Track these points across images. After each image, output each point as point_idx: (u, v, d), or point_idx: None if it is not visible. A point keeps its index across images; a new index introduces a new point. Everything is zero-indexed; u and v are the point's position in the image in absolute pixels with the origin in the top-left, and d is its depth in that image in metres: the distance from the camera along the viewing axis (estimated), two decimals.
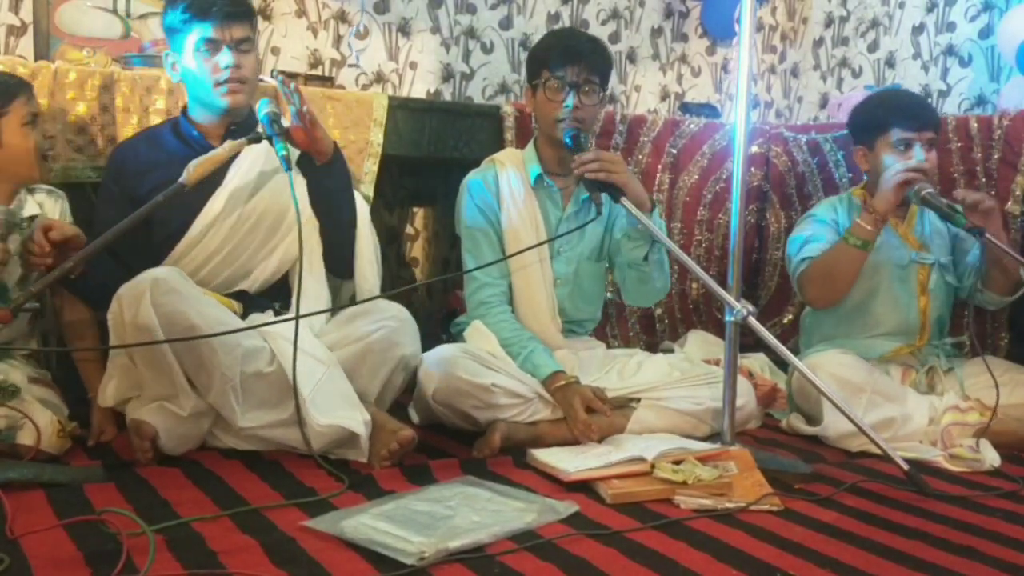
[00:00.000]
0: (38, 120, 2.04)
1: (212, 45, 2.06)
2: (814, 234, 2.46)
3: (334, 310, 2.03)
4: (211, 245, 2.10)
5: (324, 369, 1.96)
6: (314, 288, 2.13)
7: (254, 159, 2.13)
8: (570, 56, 2.25)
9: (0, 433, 1.83)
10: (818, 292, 2.42)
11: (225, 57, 2.06)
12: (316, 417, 1.90)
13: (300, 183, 2.05)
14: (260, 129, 2.01)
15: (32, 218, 2.03)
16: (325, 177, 2.09)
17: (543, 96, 2.28)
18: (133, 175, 2.12)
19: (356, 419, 1.91)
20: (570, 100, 2.24)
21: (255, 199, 2.13)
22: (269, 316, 2.08)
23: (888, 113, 2.42)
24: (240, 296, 2.13)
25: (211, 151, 1.99)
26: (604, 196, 2.14)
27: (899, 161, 2.37)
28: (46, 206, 2.08)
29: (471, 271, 2.32)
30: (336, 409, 1.92)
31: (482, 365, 2.14)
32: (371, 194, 2.58)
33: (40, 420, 1.85)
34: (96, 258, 1.87)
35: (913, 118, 2.39)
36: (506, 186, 2.35)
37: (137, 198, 2.03)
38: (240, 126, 2.14)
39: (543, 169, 2.36)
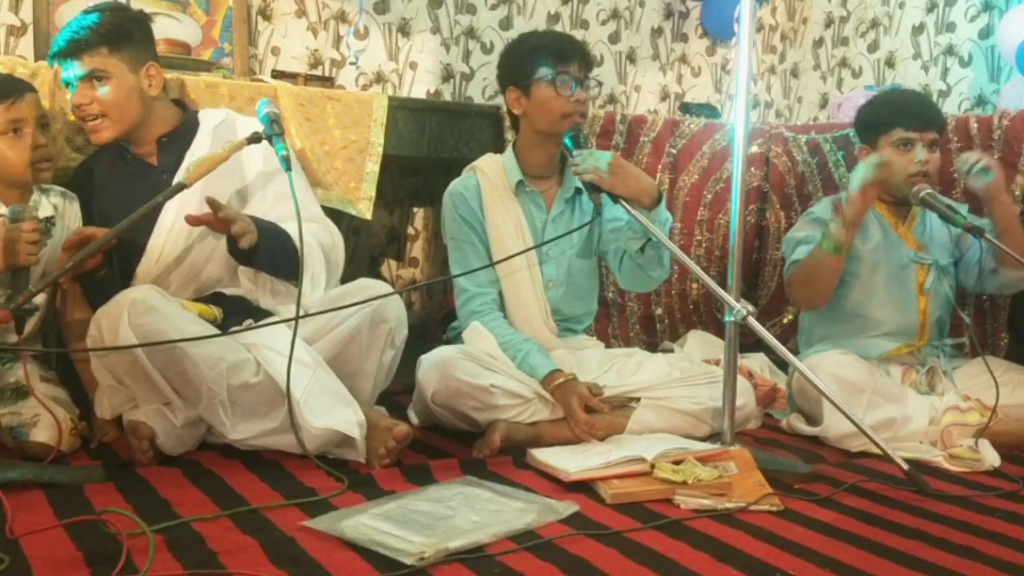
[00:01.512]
0: (22, 126, 1.96)
1: (67, 85, 2.09)
2: (807, 236, 2.47)
3: (332, 310, 2.02)
4: (171, 255, 2.09)
5: (311, 372, 1.93)
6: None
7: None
8: (569, 53, 2.30)
9: (12, 431, 1.84)
10: (801, 295, 2.47)
11: (71, 97, 2.07)
12: (310, 420, 1.88)
13: (298, 182, 2.04)
14: (260, 129, 2.02)
15: (49, 219, 2.04)
16: (248, 259, 2.03)
17: (547, 93, 2.27)
18: (97, 191, 2.14)
19: (350, 420, 1.90)
20: (577, 94, 2.27)
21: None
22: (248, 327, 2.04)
23: (892, 112, 2.42)
24: (217, 299, 2.11)
25: (212, 151, 2.00)
26: (604, 196, 2.14)
27: (900, 161, 2.38)
28: (60, 208, 2.10)
29: (459, 275, 2.31)
30: (329, 410, 1.91)
31: (481, 366, 2.14)
32: (373, 194, 2.58)
33: (52, 417, 1.86)
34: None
35: (916, 117, 2.40)
36: (488, 193, 2.35)
37: (95, 215, 2.07)
38: (172, 135, 2.14)
39: (524, 173, 2.36)
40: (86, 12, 2.07)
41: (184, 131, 2.15)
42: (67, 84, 2.08)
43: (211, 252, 2.12)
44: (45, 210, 2.05)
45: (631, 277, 2.37)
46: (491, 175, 2.37)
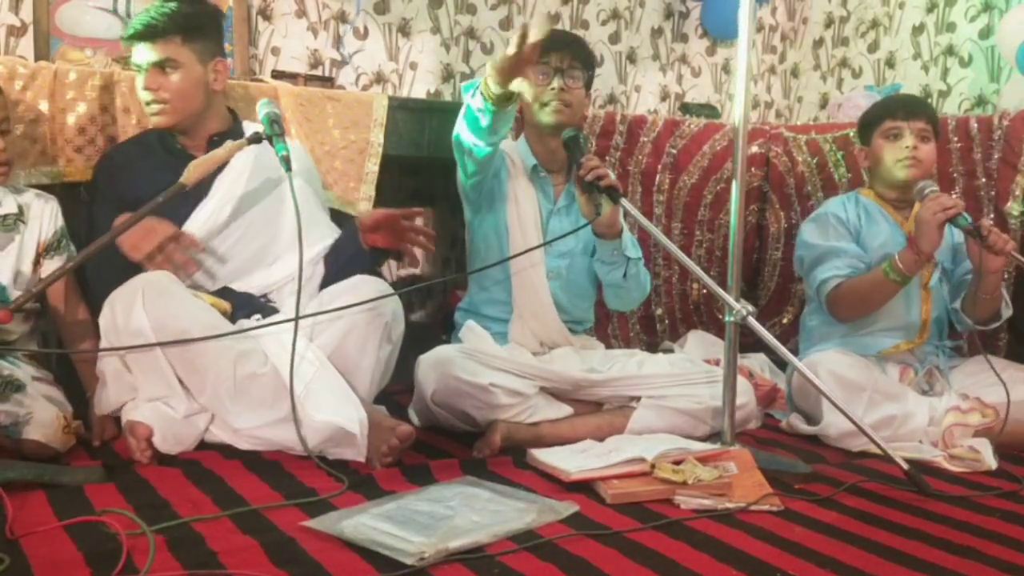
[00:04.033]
0: None
1: (136, 68, 2.12)
2: (838, 247, 2.47)
3: (332, 311, 2.02)
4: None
5: (314, 368, 1.95)
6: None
7: (242, 169, 2.15)
8: (553, 44, 2.32)
9: (6, 429, 1.83)
10: (850, 314, 2.47)
11: (140, 79, 2.11)
12: (312, 413, 1.89)
13: (298, 184, 2.05)
14: (261, 129, 2.03)
15: (18, 215, 2.04)
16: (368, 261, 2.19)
17: (531, 82, 2.31)
18: (125, 178, 2.14)
19: (351, 416, 1.90)
20: (556, 82, 2.31)
21: (245, 210, 2.15)
22: (256, 322, 2.07)
23: (881, 107, 2.56)
24: (224, 294, 2.13)
25: (211, 151, 2.00)
26: (604, 197, 2.15)
27: (891, 147, 2.46)
28: (33, 208, 2.08)
29: (475, 272, 2.34)
30: (331, 405, 1.92)
31: (480, 364, 2.14)
32: (372, 193, 2.58)
33: (44, 415, 1.85)
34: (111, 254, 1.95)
35: (902, 108, 2.50)
36: (512, 169, 2.41)
37: (127, 200, 2.05)
38: (223, 136, 2.16)
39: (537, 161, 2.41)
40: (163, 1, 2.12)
41: (233, 135, 2.17)
42: (136, 67, 2.11)
43: (235, 245, 2.15)
44: (8, 207, 2.04)
45: (614, 299, 2.47)
46: (512, 155, 2.43)
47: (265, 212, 2.18)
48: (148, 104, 2.11)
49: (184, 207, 2.09)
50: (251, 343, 1.97)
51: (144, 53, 2.08)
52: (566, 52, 2.33)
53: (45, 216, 2.09)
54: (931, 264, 2.48)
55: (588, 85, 2.41)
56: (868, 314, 2.44)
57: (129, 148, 2.22)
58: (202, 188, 2.10)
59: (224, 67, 2.19)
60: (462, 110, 2.17)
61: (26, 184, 2.17)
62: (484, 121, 2.05)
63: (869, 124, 2.54)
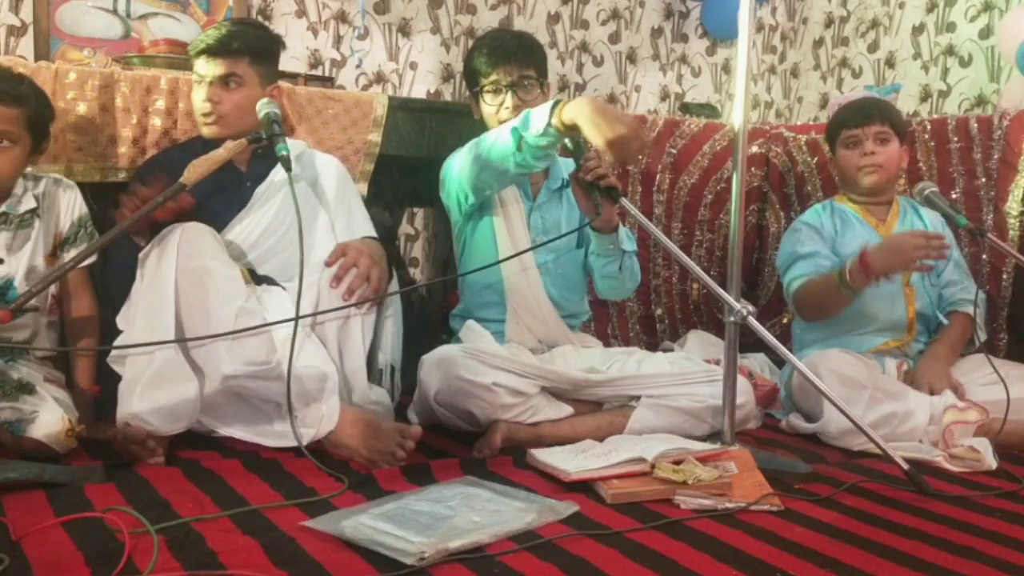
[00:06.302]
0: None
1: (198, 79, 2.18)
2: (805, 252, 2.53)
3: (334, 310, 2.03)
4: (246, 244, 2.20)
5: (303, 331, 2.00)
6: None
7: (280, 182, 2.19)
8: (498, 58, 2.32)
9: (10, 425, 1.84)
10: (811, 314, 2.53)
11: (202, 92, 2.17)
12: (298, 351, 1.94)
13: (298, 185, 2.05)
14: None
15: (31, 211, 2.03)
16: None
17: (484, 104, 2.37)
18: (170, 183, 2.13)
19: (331, 369, 1.96)
20: (509, 101, 2.32)
21: (280, 222, 2.20)
22: (276, 292, 2.11)
23: (837, 117, 2.60)
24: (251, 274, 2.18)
25: (212, 152, 2.01)
26: (601, 196, 2.15)
27: (851, 156, 2.51)
28: (49, 197, 2.08)
29: (475, 271, 2.34)
30: (313, 355, 1.98)
31: (483, 364, 2.13)
32: (364, 192, 2.58)
33: (49, 416, 1.85)
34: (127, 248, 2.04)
35: (855, 113, 2.53)
36: None
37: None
38: (266, 147, 2.16)
39: None
40: (233, 22, 2.19)
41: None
42: (198, 78, 2.18)
43: (265, 254, 2.20)
44: (26, 204, 2.03)
45: (605, 289, 2.47)
46: None
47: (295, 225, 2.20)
48: (205, 115, 2.18)
49: (226, 213, 2.17)
50: (255, 305, 2.02)
51: (211, 66, 2.15)
52: (513, 64, 2.32)
53: (62, 205, 2.09)
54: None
55: (543, 81, 2.40)
56: (829, 318, 2.46)
57: (176, 153, 2.23)
58: (244, 195, 2.20)
59: (279, 92, 2.28)
60: (494, 133, 2.16)
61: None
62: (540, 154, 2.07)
63: (831, 135, 2.59)
